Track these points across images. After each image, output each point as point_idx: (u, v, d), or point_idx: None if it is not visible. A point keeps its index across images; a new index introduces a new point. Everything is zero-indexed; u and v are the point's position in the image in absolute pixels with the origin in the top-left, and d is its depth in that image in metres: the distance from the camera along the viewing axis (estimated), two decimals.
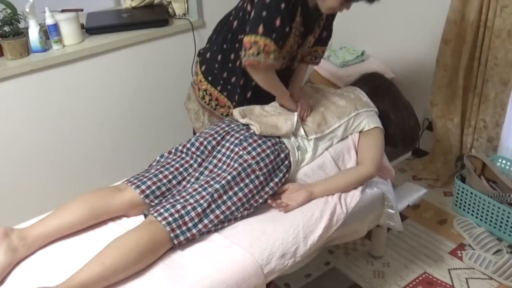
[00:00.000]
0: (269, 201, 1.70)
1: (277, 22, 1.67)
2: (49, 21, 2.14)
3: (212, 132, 1.83)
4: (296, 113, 1.84)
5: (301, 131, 1.83)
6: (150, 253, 1.46)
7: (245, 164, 1.67)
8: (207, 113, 2.09)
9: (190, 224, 1.54)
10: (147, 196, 1.66)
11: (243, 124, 1.84)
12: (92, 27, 2.36)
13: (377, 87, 2.09)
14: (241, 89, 1.96)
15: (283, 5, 1.66)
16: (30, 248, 1.52)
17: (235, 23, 1.89)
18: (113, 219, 1.67)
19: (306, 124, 1.87)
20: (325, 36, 2.03)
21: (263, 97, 1.95)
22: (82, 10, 2.33)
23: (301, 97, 1.95)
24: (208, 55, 2.04)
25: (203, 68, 2.05)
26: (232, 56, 1.94)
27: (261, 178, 1.68)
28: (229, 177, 1.64)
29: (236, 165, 1.67)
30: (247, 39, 1.69)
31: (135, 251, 1.42)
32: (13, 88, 2.10)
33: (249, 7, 1.79)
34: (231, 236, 1.59)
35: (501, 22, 2.33)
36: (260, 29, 1.66)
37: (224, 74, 1.99)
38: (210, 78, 2.04)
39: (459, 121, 2.66)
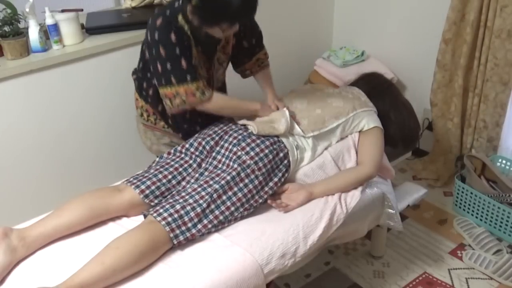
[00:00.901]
0: (269, 201, 1.70)
1: (183, 64, 1.68)
2: (49, 21, 2.13)
3: (210, 132, 1.83)
4: (285, 109, 1.83)
5: (297, 129, 1.83)
6: (149, 253, 1.46)
7: (244, 165, 1.67)
8: (150, 130, 2.01)
9: (189, 224, 1.54)
10: (146, 196, 1.66)
11: (241, 124, 1.84)
12: (92, 27, 2.36)
13: (377, 87, 2.09)
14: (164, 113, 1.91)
15: (177, 50, 1.67)
16: (30, 248, 1.52)
17: (147, 53, 1.80)
18: (113, 219, 1.67)
19: (303, 123, 1.86)
20: (254, 43, 1.97)
21: (199, 116, 1.89)
22: (82, 10, 2.32)
23: (279, 101, 1.93)
24: (136, 70, 1.98)
25: (136, 84, 1.99)
26: (145, 84, 1.90)
27: (260, 178, 1.68)
28: (228, 178, 1.64)
29: (235, 165, 1.67)
30: (167, 91, 1.71)
31: (135, 251, 1.42)
32: (13, 88, 2.10)
33: (147, 53, 1.77)
34: (231, 236, 1.59)
35: (501, 22, 2.33)
36: (173, 79, 1.68)
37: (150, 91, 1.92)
38: (144, 93, 1.95)
39: (459, 121, 2.66)
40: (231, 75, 2.10)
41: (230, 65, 2.04)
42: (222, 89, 2.06)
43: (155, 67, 1.72)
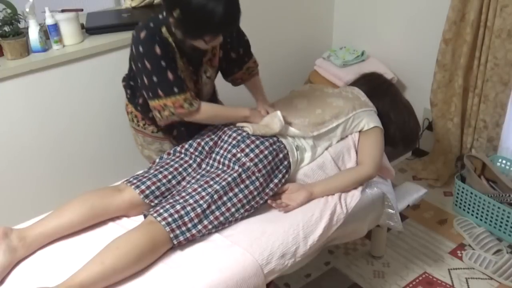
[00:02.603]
0: (269, 201, 1.70)
1: (170, 76, 1.66)
2: (49, 21, 2.13)
3: (209, 132, 1.84)
4: (277, 111, 1.82)
5: (292, 130, 1.81)
6: (149, 253, 1.46)
7: (244, 167, 1.67)
8: (141, 134, 2.00)
9: (189, 225, 1.54)
10: (146, 196, 1.66)
11: (241, 126, 1.84)
12: (92, 27, 2.36)
13: (377, 87, 2.09)
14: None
15: (163, 62, 1.65)
16: (30, 248, 1.52)
17: (133, 66, 1.78)
18: (113, 219, 1.67)
19: (303, 123, 1.86)
20: (242, 53, 1.93)
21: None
22: (82, 10, 2.32)
23: (270, 107, 1.92)
24: (125, 78, 1.96)
25: (126, 91, 1.96)
26: (135, 93, 1.89)
27: (261, 180, 1.68)
28: (229, 179, 1.64)
29: (236, 167, 1.67)
30: (156, 104, 1.70)
31: (135, 251, 1.42)
32: (13, 88, 2.10)
33: (134, 69, 1.76)
34: (231, 236, 1.59)
35: (501, 22, 2.33)
36: (161, 93, 1.67)
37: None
38: (134, 101, 1.92)
39: (459, 121, 2.66)
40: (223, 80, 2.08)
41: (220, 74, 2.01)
42: (212, 100, 2.03)
43: (142, 80, 1.70)
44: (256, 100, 2.02)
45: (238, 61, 1.94)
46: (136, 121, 1.95)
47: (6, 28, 2.08)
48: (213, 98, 2.05)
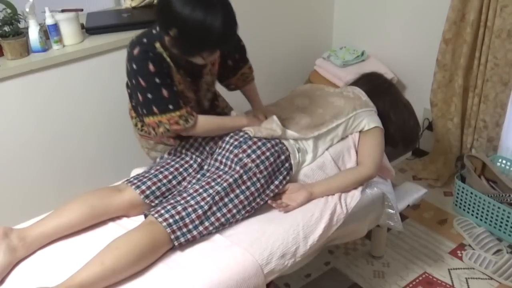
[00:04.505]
0: (269, 202, 1.70)
1: (164, 93, 1.63)
2: (49, 21, 2.13)
3: None
4: (273, 116, 1.81)
5: (291, 133, 1.80)
6: (149, 253, 1.46)
7: (245, 168, 1.66)
8: (144, 139, 1.99)
9: (190, 226, 1.54)
10: (147, 197, 1.66)
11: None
12: (92, 27, 2.36)
13: (377, 87, 2.09)
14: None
15: (157, 79, 1.61)
16: (30, 248, 1.52)
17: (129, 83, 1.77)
18: (113, 219, 1.67)
19: (303, 124, 1.86)
20: (237, 58, 1.91)
21: None
22: (82, 10, 2.32)
23: (268, 113, 1.90)
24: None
25: (129, 97, 1.94)
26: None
27: (262, 181, 1.67)
28: (230, 180, 1.64)
29: (238, 168, 1.67)
30: (151, 120, 1.66)
31: (135, 252, 1.42)
32: (13, 88, 2.10)
33: (129, 83, 1.73)
34: (231, 236, 1.59)
35: (501, 22, 2.33)
36: (155, 109, 1.64)
37: None
38: (137, 107, 1.91)
39: (459, 121, 2.66)
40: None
41: None
42: (214, 104, 2.00)
43: (137, 97, 1.67)
44: (252, 107, 2.01)
45: (233, 67, 1.91)
46: (140, 126, 1.93)
47: (6, 28, 2.08)
48: (214, 103, 2.01)
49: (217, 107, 2.01)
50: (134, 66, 1.62)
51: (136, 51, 1.62)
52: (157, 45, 1.64)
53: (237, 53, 1.90)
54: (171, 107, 1.64)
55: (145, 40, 1.64)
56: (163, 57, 1.64)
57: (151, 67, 1.60)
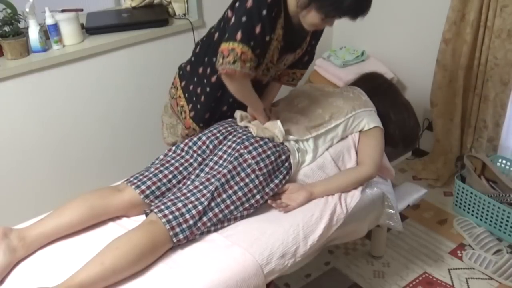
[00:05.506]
0: (269, 201, 1.70)
1: (257, 29, 1.59)
2: (49, 21, 2.14)
3: (215, 131, 1.83)
4: (277, 120, 1.81)
5: (291, 137, 1.81)
6: (149, 253, 1.46)
7: (245, 164, 1.67)
8: (172, 110, 2.00)
9: (191, 222, 1.54)
10: (147, 196, 1.66)
11: (245, 126, 1.84)
12: (92, 27, 2.36)
13: (377, 87, 2.09)
14: (216, 102, 1.89)
15: (264, 12, 1.57)
16: (30, 248, 1.52)
17: (216, 35, 1.79)
18: (113, 219, 1.67)
19: (302, 124, 1.86)
20: (306, 60, 1.97)
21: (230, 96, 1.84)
22: (82, 10, 2.32)
23: (272, 114, 1.90)
24: (188, 68, 1.96)
25: (183, 83, 1.97)
26: (208, 70, 1.85)
27: (261, 178, 1.68)
28: (228, 176, 1.64)
29: (235, 163, 1.67)
30: (225, 46, 1.61)
31: (135, 252, 1.42)
32: (13, 88, 2.10)
33: (229, 13, 1.71)
34: (231, 236, 1.59)
35: (501, 22, 2.33)
36: (238, 35, 1.58)
37: (198, 90, 1.91)
38: (186, 95, 1.95)
39: (459, 121, 2.66)
40: None
41: None
42: (263, 86, 1.98)
43: (234, 19, 1.62)
44: (263, 100, 2.00)
45: (296, 63, 1.93)
46: (183, 117, 1.95)
47: (6, 28, 2.08)
48: (264, 86, 1.98)
49: (257, 93, 1.96)
50: None
51: None
52: None
53: (309, 56, 1.95)
54: (252, 44, 1.60)
55: None
56: (281, 5, 1.63)
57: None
